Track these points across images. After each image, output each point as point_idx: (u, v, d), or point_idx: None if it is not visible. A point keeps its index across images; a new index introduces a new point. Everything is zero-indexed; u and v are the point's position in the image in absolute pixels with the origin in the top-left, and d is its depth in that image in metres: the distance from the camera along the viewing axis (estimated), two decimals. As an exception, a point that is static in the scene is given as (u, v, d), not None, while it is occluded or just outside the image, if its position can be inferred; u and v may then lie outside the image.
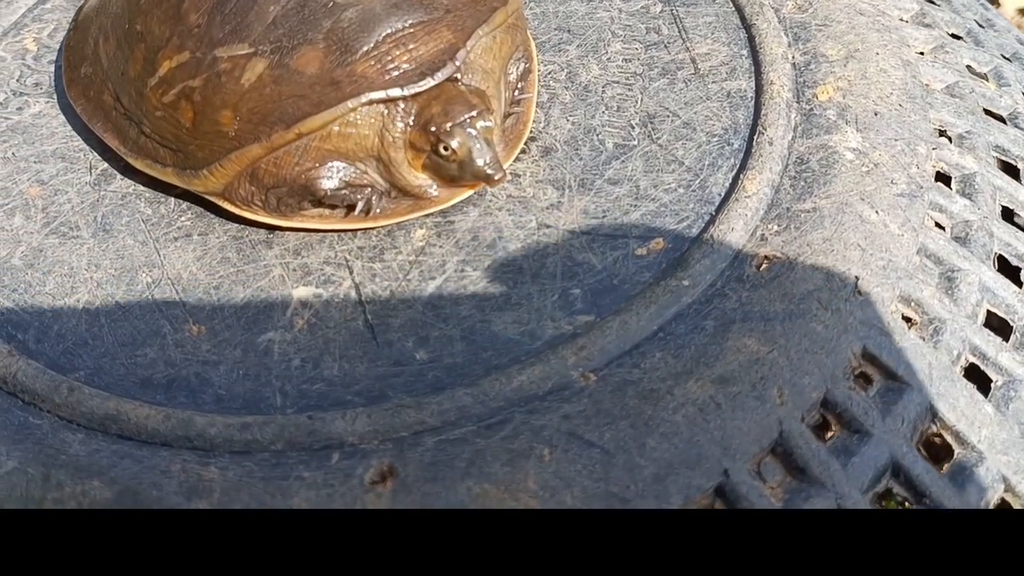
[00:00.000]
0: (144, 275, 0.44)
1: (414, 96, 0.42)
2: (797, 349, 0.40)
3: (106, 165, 0.49)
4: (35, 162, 0.49)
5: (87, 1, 0.53)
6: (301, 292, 0.43)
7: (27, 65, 0.54)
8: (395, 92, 0.42)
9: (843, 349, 0.40)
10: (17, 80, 0.53)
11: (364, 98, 0.42)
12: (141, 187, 0.48)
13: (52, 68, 0.54)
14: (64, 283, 0.44)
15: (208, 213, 0.46)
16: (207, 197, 0.45)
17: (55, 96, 0.52)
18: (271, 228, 0.45)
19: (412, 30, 0.43)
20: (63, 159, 0.49)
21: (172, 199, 0.47)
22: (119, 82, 0.47)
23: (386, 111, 0.42)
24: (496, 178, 0.42)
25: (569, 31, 0.53)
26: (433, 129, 0.42)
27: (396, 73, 0.42)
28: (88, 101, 0.48)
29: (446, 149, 0.42)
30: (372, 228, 0.45)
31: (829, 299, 0.41)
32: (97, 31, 0.49)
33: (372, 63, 0.42)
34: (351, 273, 0.44)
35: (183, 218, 0.47)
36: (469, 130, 0.42)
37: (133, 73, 0.46)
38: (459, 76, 0.43)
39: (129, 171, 0.48)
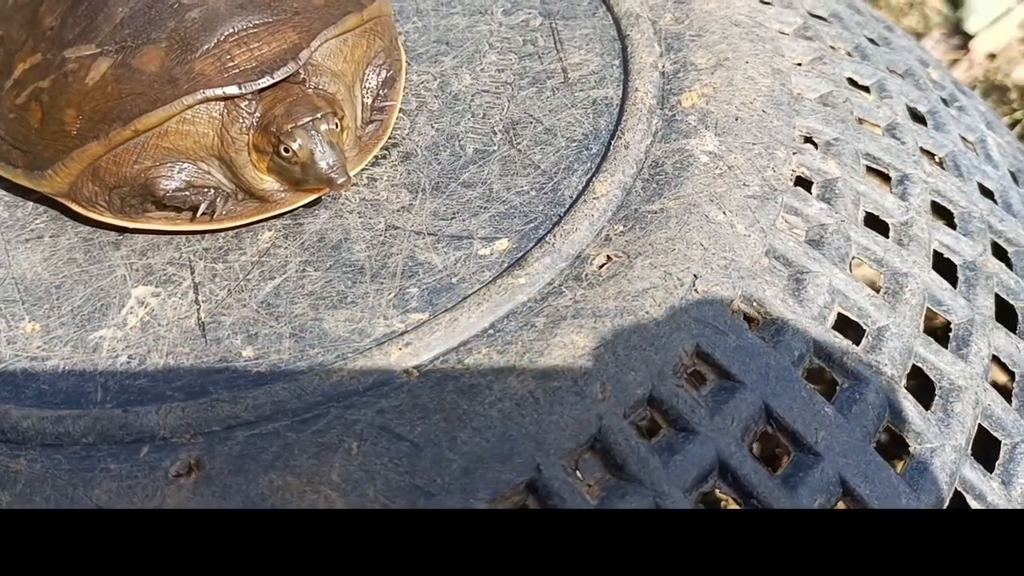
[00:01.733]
0: (-11, 275, 0.44)
1: (257, 97, 0.42)
2: (625, 346, 0.39)
3: (-29, 170, 0.49)
4: (-98, 168, 0.50)
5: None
6: (140, 291, 0.43)
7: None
8: (232, 90, 0.42)
9: (674, 347, 0.39)
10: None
11: (200, 95, 0.42)
12: (1, 191, 0.48)
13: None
14: (-90, 282, 0.44)
15: (63, 216, 0.46)
16: (56, 199, 0.45)
17: (-66, 106, 0.53)
18: (121, 230, 0.45)
19: (256, 30, 0.43)
20: (-70, 165, 0.50)
21: (30, 203, 0.47)
22: (-18, 87, 0.48)
23: (226, 110, 0.42)
24: (339, 182, 0.42)
25: (447, 43, 0.53)
26: (274, 130, 0.42)
27: (235, 71, 0.42)
28: (-47, 107, 0.49)
29: (287, 151, 0.42)
30: (220, 230, 0.45)
31: (664, 297, 0.40)
32: (-30, 39, 0.50)
33: (211, 61, 0.42)
34: (192, 273, 0.44)
35: (38, 221, 0.47)
36: (312, 132, 0.42)
37: (-7, 77, 0.47)
38: (304, 77, 0.43)
39: (-9, 175, 0.48)
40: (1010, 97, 1.13)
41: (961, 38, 1.22)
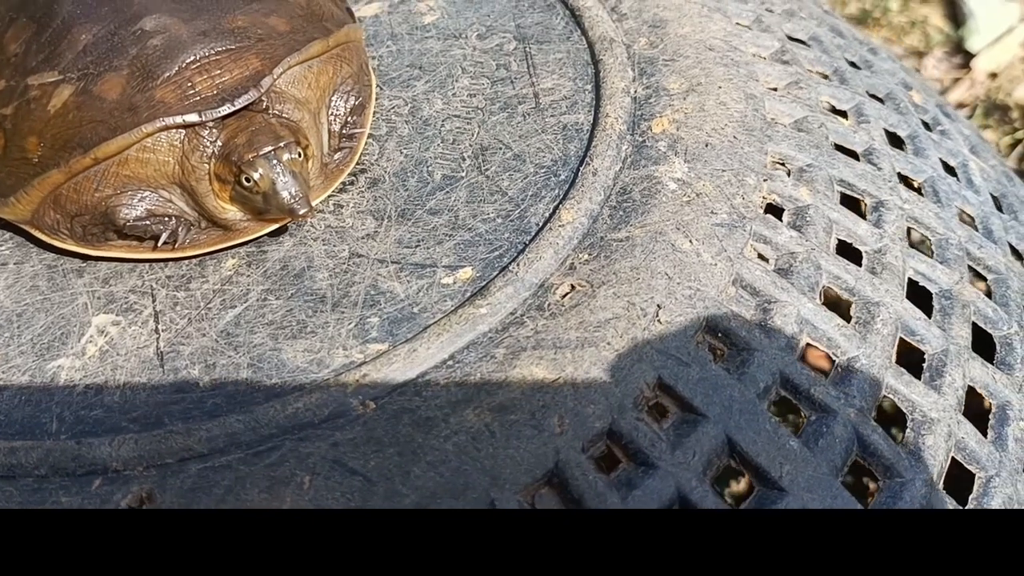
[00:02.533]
0: (-49, 303, 0.44)
1: (219, 125, 0.42)
2: (585, 378, 0.38)
3: (-61, 197, 0.49)
4: None
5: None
6: (100, 320, 0.43)
7: None
8: (192, 117, 0.42)
9: (635, 379, 0.39)
10: None
11: (159, 123, 0.41)
12: (-33, 218, 0.48)
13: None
14: None
15: (28, 243, 0.46)
16: (20, 225, 0.45)
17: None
18: (85, 257, 0.45)
19: (218, 57, 0.43)
20: (-100, 191, 0.50)
21: (-3, 229, 0.47)
22: (-53, 113, 0.47)
23: (187, 139, 0.42)
24: (301, 212, 0.41)
25: (420, 68, 0.53)
26: (235, 159, 0.41)
27: (196, 99, 0.42)
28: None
29: (248, 180, 0.41)
30: (183, 258, 0.44)
31: (626, 328, 0.40)
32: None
33: (172, 89, 0.42)
34: (153, 301, 0.43)
35: (2, 247, 0.46)
36: (273, 162, 0.41)
37: (-40, 104, 0.46)
38: (267, 105, 0.43)
39: (-43, 202, 0.48)
40: (1012, 116, 1.13)
41: (963, 57, 1.21)
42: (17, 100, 0.43)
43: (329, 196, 0.46)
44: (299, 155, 0.42)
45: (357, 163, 0.47)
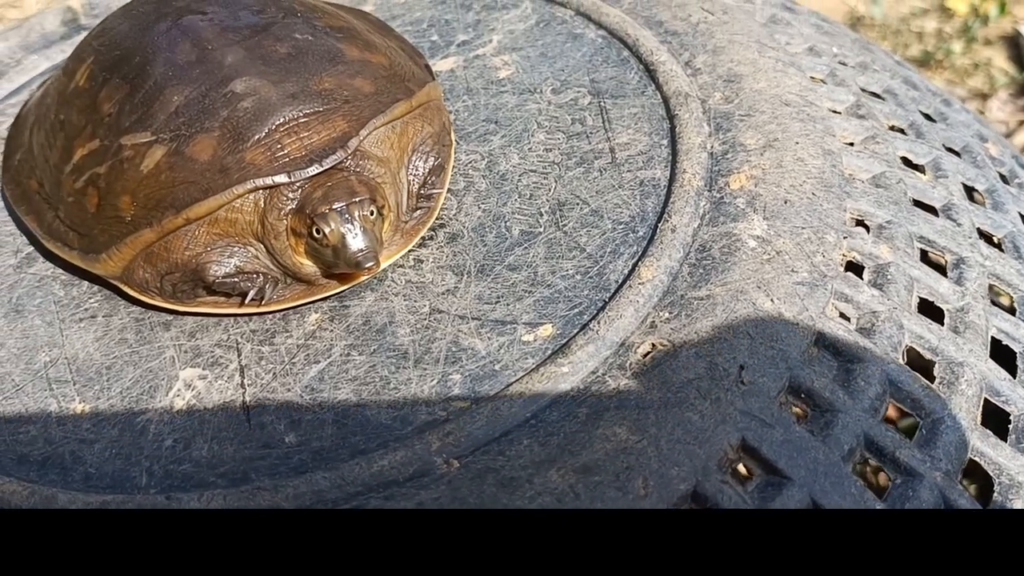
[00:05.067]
0: (43, 354, 0.45)
1: (302, 183, 0.43)
2: (668, 439, 0.38)
3: (31, 249, 0.50)
4: (-33, 246, 0.51)
5: (33, 94, 0.56)
6: (187, 374, 0.44)
7: (-18, 156, 0.57)
8: (281, 179, 0.42)
9: (719, 440, 0.38)
10: (-30, 170, 0.56)
11: (250, 184, 0.42)
12: (59, 270, 0.49)
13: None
14: (-32, 362, 0.45)
15: (116, 296, 0.47)
16: (111, 281, 0.46)
17: (-1, 184, 0.55)
18: (172, 312, 0.46)
19: (306, 119, 0.44)
20: (-7, 243, 0.51)
21: (86, 282, 0.48)
22: (44, 169, 0.49)
23: (272, 198, 0.43)
24: (367, 266, 0.42)
25: (496, 122, 0.54)
26: (308, 212, 0.42)
27: (285, 160, 0.43)
28: (18, 186, 0.50)
29: (318, 232, 0.42)
30: (267, 312, 0.45)
31: (709, 388, 0.40)
32: (33, 121, 0.52)
33: (262, 151, 0.43)
34: (239, 356, 0.44)
35: (92, 300, 0.48)
36: (345, 216, 0.42)
37: (54, 160, 0.48)
38: (350, 164, 0.44)
39: (49, 254, 0.49)
40: (1079, 158, 1.11)
41: (1028, 99, 1.20)
42: (111, 159, 0.45)
43: (409, 251, 0.47)
44: (372, 212, 0.42)
45: (436, 218, 0.48)
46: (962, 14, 1.34)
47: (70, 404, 0.43)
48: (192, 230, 0.43)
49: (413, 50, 0.54)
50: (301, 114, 0.44)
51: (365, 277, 0.45)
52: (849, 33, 0.64)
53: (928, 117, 0.57)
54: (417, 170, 0.47)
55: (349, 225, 0.42)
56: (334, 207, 0.41)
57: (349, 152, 0.43)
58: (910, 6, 1.37)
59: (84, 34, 0.64)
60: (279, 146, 0.43)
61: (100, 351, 0.45)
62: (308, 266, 0.44)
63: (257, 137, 0.43)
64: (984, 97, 1.22)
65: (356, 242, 0.41)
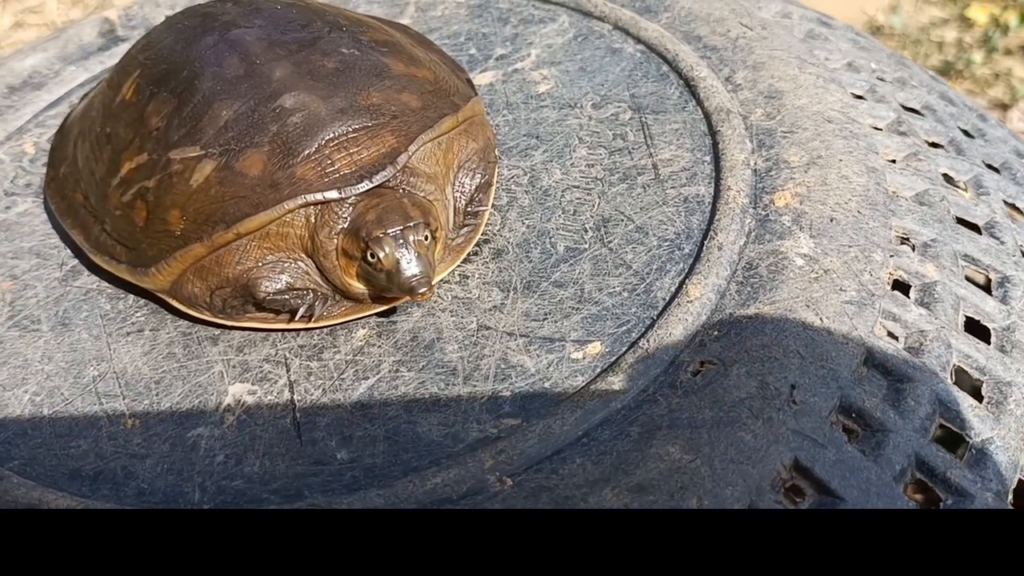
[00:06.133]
0: (92, 369, 0.45)
1: (353, 201, 0.43)
2: (722, 459, 0.38)
3: (76, 262, 0.51)
4: (11, 258, 0.51)
5: (76, 106, 0.56)
6: (237, 389, 0.44)
7: (23, 167, 0.57)
8: (332, 194, 0.43)
9: (772, 460, 0.38)
10: (11, 181, 0.56)
11: (301, 199, 0.42)
12: (105, 283, 0.49)
13: (44, 170, 0.56)
14: (16, 374, 0.46)
15: (163, 309, 0.48)
16: (158, 295, 0.46)
17: (41, 196, 0.55)
18: (219, 326, 0.46)
19: (355, 134, 0.44)
20: (38, 255, 0.51)
21: (132, 296, 0.49)
22: (89, 182, 0.49)
23: (323, 214, 0.43)
24: (420, 292, 0.41)
25: (538, 137, 0.54)
26: (363, 235, 0.42)
27: (335, 176, 0.43)
28: (63, 199, 0.51)
29: (373, 257, 0.42)
30: (315, 328, 0.45)
31: (761, 407, 0.40)
32: (77, 133, 0.52)
33: (312, 166, 0.43)
34: (288, 371, 0.44)
35: (139, 314, 0.48)
36: (400, 240, 0.41)
37: (100, 174, 0.48)
38: (400, 180, 0.44)
39: (95, 267, 0.49)
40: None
41: (1049, 110, 1.19)
42: (160, 173, 0.45)
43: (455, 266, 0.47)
44: (426, 237, 0.42)
45: (480, 233, 0.48)
46: (982, 24, 1.34)
47: (120, 419, 0.43)
48: (243, 245, 0.43)
49: (455, 64, 0.54)
50: (350, 129, 0.44)
51: (412, 301, 0.44)
52: (884, 48, 0.64)
53: (967, 133, 0.57)
54: (464, 187, 0.47)
55: (404, 250, 0.41)
56: (389, 232, 0.41)
57: (398, 168, 0.43)
58: (930, 16, 1.37)
59: (122, 45, 0.64)
60: (329, 161, 0.43)
61: (148, 365, 0.45)
62: (357, 287, 0.43)
63: (307, 152, 0.43)
64: (1005, 107, 1.22)
65: (411, 268, 0.41)
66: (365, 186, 0.43)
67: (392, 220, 0.42)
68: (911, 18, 1.36)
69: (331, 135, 0.43)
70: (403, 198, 0.43)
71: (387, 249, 0.41)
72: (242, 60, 0.46)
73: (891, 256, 0.45)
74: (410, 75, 0.47)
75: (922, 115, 0.56)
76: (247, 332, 0.46)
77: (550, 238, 0.48)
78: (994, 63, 1.28)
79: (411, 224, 0.42)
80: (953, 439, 0.42)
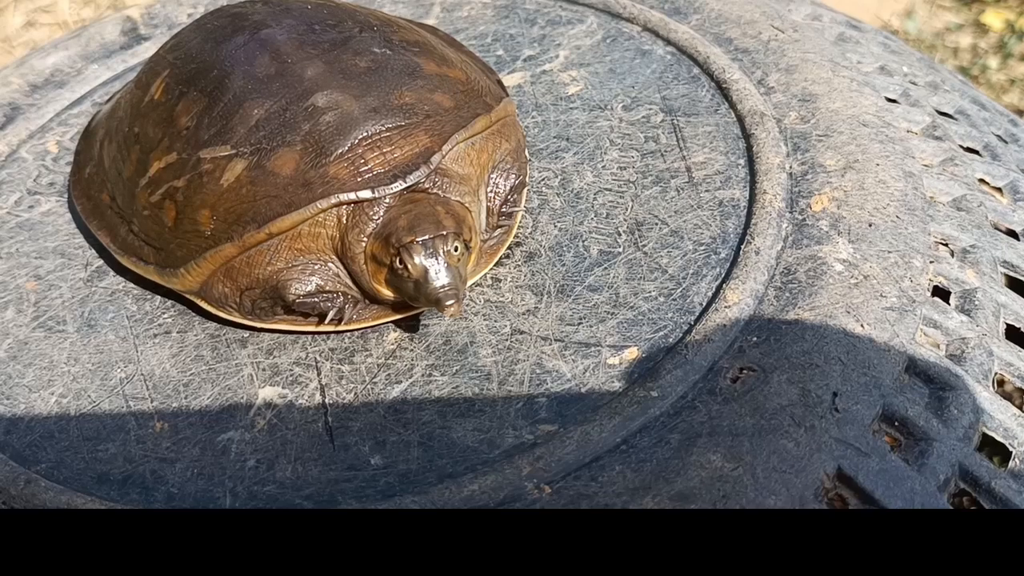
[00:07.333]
0: (119, 371, 0.45)
1: (387, 203, 0.42)
2: (764, 467, 0.38)
3: (101, 262, 0.50)
4: (36, 258, 0.51)
5: (101, 107, 0.55)
6: (267, 392, 0.43)
7: (45, 166, 0.56)
8: (365, 194, 0.42)
9: (815, 469, 0.38)
10: (34, 180, 0.56)
11: (334, 199, 0.42)
12: (131, 284, 0.49)
13: (68, 169, 0.56)
14: (42, 376, 0.45)
15: (190, 311, 0.47)
16: (186, 296, 0.46)
17: (65, 196, 0.54)
18: (248, 328, 0.46)
19: (388, 134, 0.43)
20: (62, 255, 0.51)
21: (158, 297, 0.48)
22: (116, 182, 0.48)
23: (355, 214, 0.42)
24: (447, 305, 0.40)
25: (568, 139, 0.53)
26: (393, 241, 0.41)
27: (368, 175, 0.42)
28: (88, 200, 0.50)
29: (401, 264, 0.40)
30: (345, 331, 0.45)
31: (803, 415, 0.39)
32: (103, 134, 0.51)
33: (345, 165, 0.42)
34: (319, 374, 0.43)
35: (166, 315, 0.47)
36: (430, 249, 0.40)
37: (127, 174, 0.47)
38: (433, 181, 0.43)
39: (121, 268, 0.49)
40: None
41: (1067, 117, 1.19)
42: (189, 173, 0.44)
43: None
44: (457, 248, 0.41)
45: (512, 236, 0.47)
46: (997, 30, 1.33)
47: (148, 422, 0.43)
48: (274, 245, 0.43)
49: (484, 65, 0.53)
50: (383, 128, 0.43)
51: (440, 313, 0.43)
52: (914, 52, 0.63)
53: (1000, 138, 0.56)
54: (498, 187, 0.46)
55: (433, 260, 0.40)
56: (419, 240, 0.40)
57: (432, 168, 0.43)
58: (945, 21, 1.36)
59: (144, 44, 0.63)
60: (362, 160, 0.42)
61: (176, 368, 0.45)
62: (386, 293, 0.43)
63: (340, 151, 0.42)
64: (1020, 113, 1.21)
65: (439, 278, 0.40)
66: (399, 186, 0.42)
67: (424, 228, 0.41)
68: (926, 23, 1.36)
69: (364, 134, 0.43)
70: (437, 205, 0.42)
71: (416, 257, 0.40)
72: (273, 59, 0.46)
73: (931, 262, 0.45)
74: (442, 75, 0.47)
75: (956, 119, 0.56)
76: (276, 335, 0.45)
77: (583, 241, 0.48)
78: (1009, 69, 1.27)
79: (443, 233, 0.41)
80: (995, 448, 0.42)
